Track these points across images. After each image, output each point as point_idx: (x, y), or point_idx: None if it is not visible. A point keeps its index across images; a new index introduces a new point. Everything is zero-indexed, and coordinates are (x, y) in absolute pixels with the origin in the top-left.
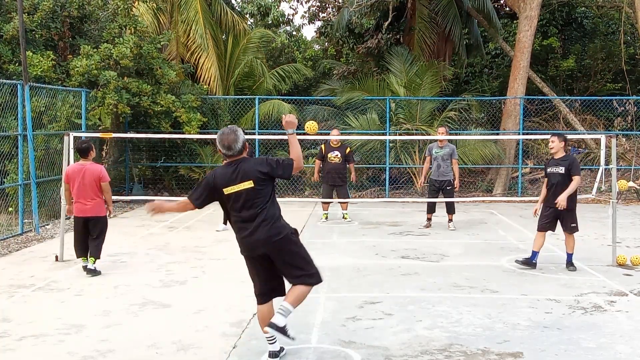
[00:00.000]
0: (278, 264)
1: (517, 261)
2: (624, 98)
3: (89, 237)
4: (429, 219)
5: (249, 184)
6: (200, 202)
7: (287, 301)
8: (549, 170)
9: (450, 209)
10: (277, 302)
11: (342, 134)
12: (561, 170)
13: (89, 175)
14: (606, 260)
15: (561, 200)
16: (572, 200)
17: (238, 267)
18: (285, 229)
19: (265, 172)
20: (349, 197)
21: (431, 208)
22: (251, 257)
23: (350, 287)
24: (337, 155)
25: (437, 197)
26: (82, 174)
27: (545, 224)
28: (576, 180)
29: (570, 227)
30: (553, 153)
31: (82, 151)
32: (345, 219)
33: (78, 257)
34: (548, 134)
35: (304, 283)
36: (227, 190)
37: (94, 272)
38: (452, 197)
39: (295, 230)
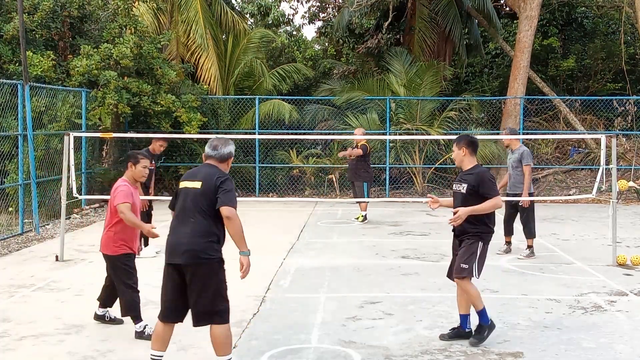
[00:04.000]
0: (189, 286)
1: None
2: (624, 98)
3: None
4: (508, 242)
5: (197, 185)
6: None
7: (220, 355)
8: (454, 187)
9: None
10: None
11: (343, 133)
12: (462, 188)
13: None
14: (606, 260)
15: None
16: (477, 223)
17: (238, 267)
18: (216, 252)
19: (217, 187)
20: (362, 197)
21: (509, 230)
22: (168, 264)
23: (350, 287)
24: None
25: (514, 215)
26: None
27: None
28: (495, 200)
29: (460, 267)
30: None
31: None
32: (357, 219)
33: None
34: (548, 134)
35: (213, 322)
36: (182, 184)
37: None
38: (525, 215)
39: (223, 261)
